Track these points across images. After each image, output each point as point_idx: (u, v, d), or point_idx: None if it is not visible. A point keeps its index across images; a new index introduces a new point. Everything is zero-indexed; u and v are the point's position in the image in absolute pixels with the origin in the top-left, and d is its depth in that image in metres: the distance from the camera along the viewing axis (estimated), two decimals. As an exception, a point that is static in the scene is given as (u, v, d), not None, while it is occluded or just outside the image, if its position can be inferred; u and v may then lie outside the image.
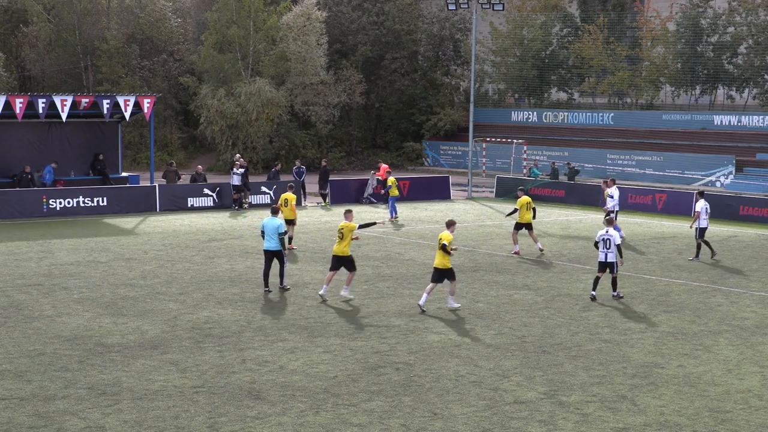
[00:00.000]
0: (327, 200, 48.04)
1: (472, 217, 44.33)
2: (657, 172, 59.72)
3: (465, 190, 54.57)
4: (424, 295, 23.85)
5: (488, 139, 65.70)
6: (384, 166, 49.68)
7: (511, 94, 76.83)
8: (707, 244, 32.45)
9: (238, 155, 49.58)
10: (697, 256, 32.17)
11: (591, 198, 47.78)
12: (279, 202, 33.74)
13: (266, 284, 25.93)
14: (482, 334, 21.45)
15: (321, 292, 24.99)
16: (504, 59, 74.54)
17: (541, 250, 33.08)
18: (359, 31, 73.67)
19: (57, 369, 18.27)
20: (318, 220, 41.94)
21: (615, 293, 25.60)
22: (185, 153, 71.52)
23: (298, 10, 67.99)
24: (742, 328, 22.36)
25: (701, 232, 32.14)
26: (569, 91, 74.38)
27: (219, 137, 67.16)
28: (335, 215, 42.20)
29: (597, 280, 25.54)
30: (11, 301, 24.37)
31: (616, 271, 25.52)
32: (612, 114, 67.67)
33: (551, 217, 44.40)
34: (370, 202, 48.64)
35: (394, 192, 42.73)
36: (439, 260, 23.86)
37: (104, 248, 33.15)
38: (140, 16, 71.43)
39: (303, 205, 47.33)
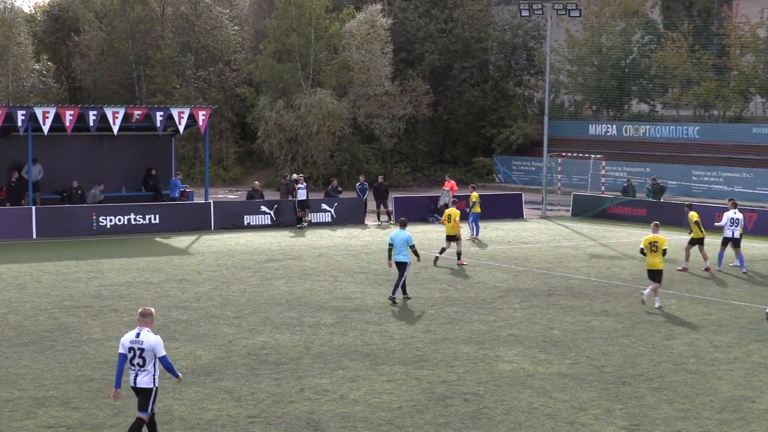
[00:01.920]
0: (391, 218, 48.03)
1: (547, 237, 44.07)
2: (747, 190, 58.95)
3: (539, 209, 54.31)
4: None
5: (564, 153, 65.36)
6: (451, 182, 49.56)
7: (588, 105, 76.41)
8: None
9: (295, 175, 49.55)
10: None
11: (675, 217, 47.22)
12: (443, 217, 36.94)
13: (404, 293, 28.33)
14: (557, 363, 21.26)
15: (644, 298, 28.07)
16: (581, 68, 74.17)
17: (707, 270, 34.27)
18: (426, 39, 73.77)
19: (106, 396, 18.40)
20: (382, 239, 41.91)
21: None
22: (242, 168, 72.12)
23: (361, 17, 68.29)
24: (841, 360, 21.94)
25: None
26: (651, 102, 73.79)
27: (277, 151, 67.60)
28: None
29: None
30: (59, 323, 24.64)
31: None
32: (697, 127, 66.99)
33: (631, 238, 43.96)
34: (436, 220, 48.43)
35: (477, 209, 42.74)
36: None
37: (156, 268, 33.43)
38: (195, 24, 72.27)
39: (365, 223, 47.47)
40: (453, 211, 35.38)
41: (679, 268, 34.35)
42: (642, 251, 28.26)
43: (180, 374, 15.90)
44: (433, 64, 73.63)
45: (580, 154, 65.24)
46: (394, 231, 28.52)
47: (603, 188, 61.72)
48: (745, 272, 34.12)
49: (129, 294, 28.69)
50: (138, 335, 15.43)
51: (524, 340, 23.42)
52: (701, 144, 65.63)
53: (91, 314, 25.73)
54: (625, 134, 70.03)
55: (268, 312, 26.30)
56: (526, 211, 52.84)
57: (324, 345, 22.67)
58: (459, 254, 35.32)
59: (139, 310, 15.69)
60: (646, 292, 28.05)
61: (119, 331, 23.75)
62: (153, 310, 15.91)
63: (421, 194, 56.49)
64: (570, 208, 53.76)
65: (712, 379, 20.15)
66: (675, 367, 21.11)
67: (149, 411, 15.52)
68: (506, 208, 51.64)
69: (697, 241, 34.87)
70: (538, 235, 44.52)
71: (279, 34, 68.64)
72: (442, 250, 35.35)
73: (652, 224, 29.44)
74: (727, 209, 35.75)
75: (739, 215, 35.00)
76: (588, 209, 52.37)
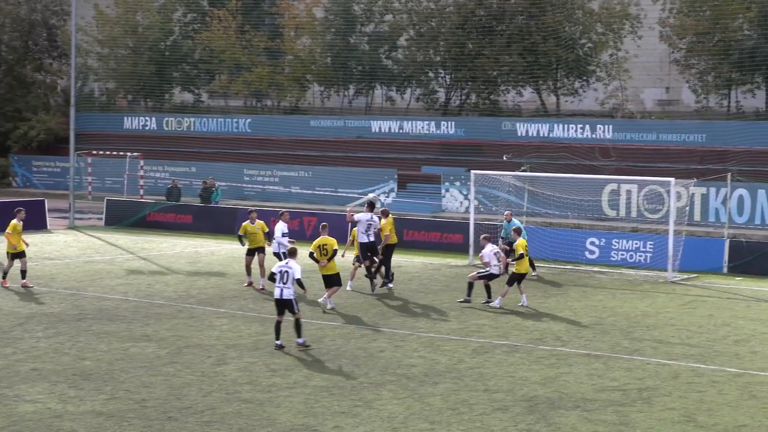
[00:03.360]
0: None
1: (76, 251, 43.68)
2: (305, 191, 60.90)
3: (66, 217, 53.66)
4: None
5: (95, 152, 64.88)
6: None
7: (123, 95, 76.37)
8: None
9: None
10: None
11: (226, 224, 48.27)
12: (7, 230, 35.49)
13: None
14: (91, 399, 21.09)
15: (322, 300, 31.31)
16: (113, 51, 74.01)
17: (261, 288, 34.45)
18: None
19: None
20: None
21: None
22: None
23: None
24: (409, 378, 23.21)
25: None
26: (196, 91, 74.81)
27: None
28: None
29: None
30: None
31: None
32: (249, 119, 68.60)
33: (176, 249, 44.44)
34: None
35: None
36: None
37: None
38: None
39: None
40: (15, 224, 35.32)
41: (259, 287, 34.58)
42: (312, 255, 30.67)
43: None
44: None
45: (115, 152, 64.98)
46: None
47: (142, 192, 61.82)
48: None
49: None
50: None
51: (50, 374, 23.05)
52: (254, 139, 67.10)
53: None
54: (166, 128, 70.54)
55: None
56: (50, 220, 52.06)
57: None
58: (23, 273, 34.77)
59: None
60: (322, 299, 31.43)
61: None
62: None
63: None
64: (103, 216, 53.52)
65: (269, 408, 20.70)
66: (227, 396, 21.51)
67: None
68: (26, 218, 50.42)
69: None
70: (66, 249, 44.00)
71: None
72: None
73: (321, 225, 32.41)
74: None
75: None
76: (125, 217, 52.35)
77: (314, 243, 31.00)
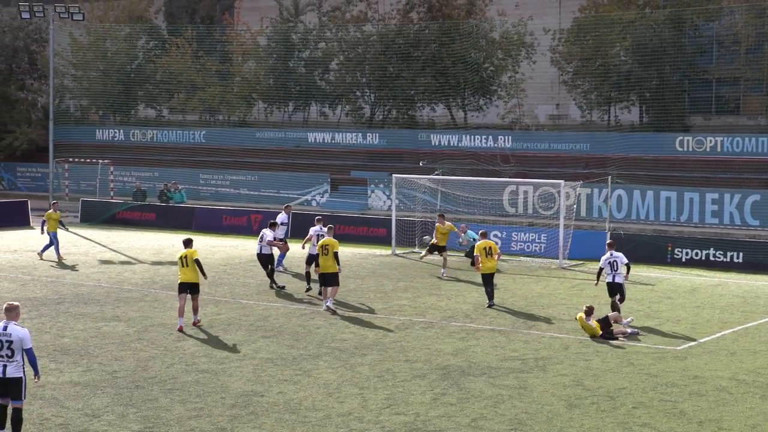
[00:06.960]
0: None
1: (55, 244, 43.16)
2: (252, 192, 60.76)
3: (46, 216, 53.04)
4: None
5: (71, 159, 64.20)
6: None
7: (95, 110, 75.51)
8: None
9: None
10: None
11: (184, 221, 47.99)
12: None
13: None
14: (69, 371, 20.89)
15: (328, 304, 28.17)
16: (86, 73, 73.19)
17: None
18: None
19: None
20: None
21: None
22: None
23: None
24: (341, 350, 23.22)
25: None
26: (158, 107, 74.21)
27: None
28: None
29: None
30: None
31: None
32: (203, 132, 68.20)
33: (141, 242, 44.08)
34: None
35: None
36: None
37: None
38: None
39: None
40: None
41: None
42: (314, 256, 29.14)
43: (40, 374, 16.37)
44: None
45: (88, 160, 64.37)
46: None
47: (112, 193, 61.27)
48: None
49: None
50: (5, 328, 15.78)
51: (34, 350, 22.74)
52: (208, 148, 66.84)
53: None
54: (132, 139, 69.89)
55: None
56: (33, 218, 51.38)
57: None
58: None
59: (4, 306, 16.08)
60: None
61: None
62: (18, 304, 16.37)
63: None
64: (78, 214, 53.00)
65: (223, 377, 20.62)
66: (187, 367, 21.39)
67: (24, 398, 16.09)
68: (12, 216, 50.07)
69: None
70: (46, 242, 43.41)
71: None
72: None
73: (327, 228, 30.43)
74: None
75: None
76: (98, 215, 51.91)
77: (319, 243, 28.77)
